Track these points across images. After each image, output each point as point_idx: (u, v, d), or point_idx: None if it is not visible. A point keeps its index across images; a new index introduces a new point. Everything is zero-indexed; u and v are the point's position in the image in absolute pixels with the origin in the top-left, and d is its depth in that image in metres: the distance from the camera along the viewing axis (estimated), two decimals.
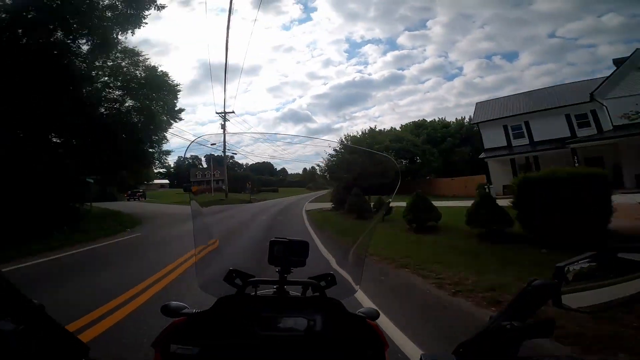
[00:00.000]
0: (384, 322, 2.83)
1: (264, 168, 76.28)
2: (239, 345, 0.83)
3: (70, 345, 0.59)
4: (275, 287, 0.95)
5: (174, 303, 0.90)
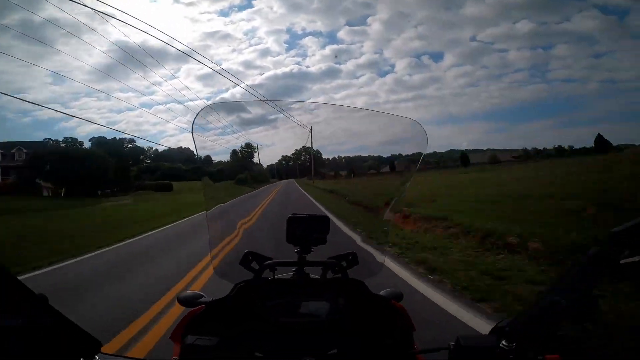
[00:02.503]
0: None
1: (177, 155, 63.78)
2: (258, 334, 0.79)
3: (80, 340, 0.55)
4: (294, 269, 0.90)
5: (189, 292, 0.88)
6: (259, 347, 0.79)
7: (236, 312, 0.82)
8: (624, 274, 0.53)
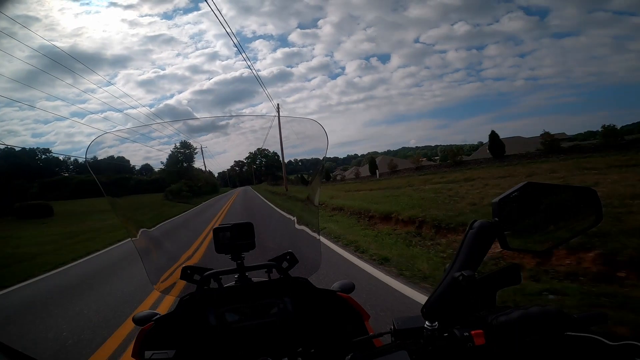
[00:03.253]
0: None
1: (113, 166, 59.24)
2: (213, 341, 0.82)
3: None
4: (236, 276, 0.93)
5: (144, 312, 0.90)
6: (215, 354, 0.81)
7: (186, 324, 0.85)
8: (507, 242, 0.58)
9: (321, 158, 1.10)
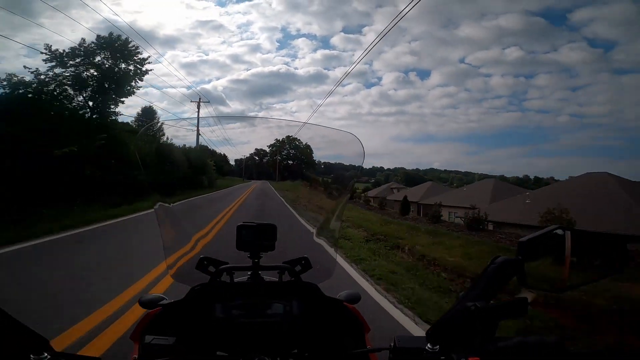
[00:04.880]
0: None
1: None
2: (215, 333, 0.85)
3: (26, 338, 0.56)
4: (249, 273, 0.97)
5: (151, 295, 0.93)
6: (215, 346, 0.84)
7: (193, 313, 0.87)
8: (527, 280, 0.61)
9: (353, 175, 1.10)
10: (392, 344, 0.64)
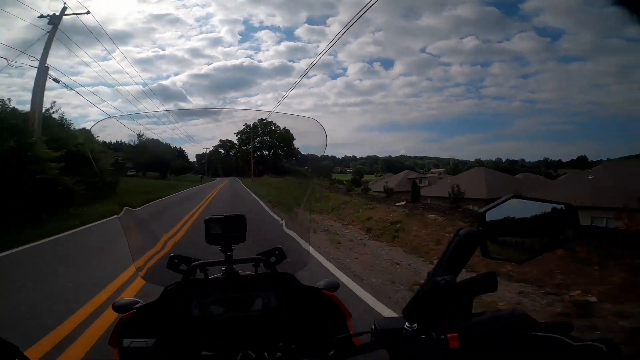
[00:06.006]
0: None
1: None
2: (195, 332, 0.85)
3: None
4: (223, 268, 0.96)
5: (125, 299, 0.92)
6: (197, 345, 0.84)
7: (169, 313, 0.86)
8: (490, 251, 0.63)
9: (319, 156, 1.11)
10: (372, 327, 0.65)
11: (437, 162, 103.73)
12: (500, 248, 0.64)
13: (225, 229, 0.92)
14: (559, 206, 0.65)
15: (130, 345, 0.77)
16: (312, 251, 5.04)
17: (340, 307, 0.92)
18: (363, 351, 0.61)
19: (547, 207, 0.66)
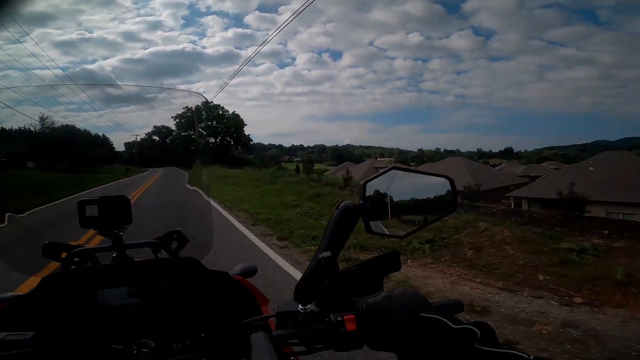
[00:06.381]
0: None
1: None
2: (82, 322, 0.78)
3: None
4: (114, 254, 0.88)
5: (1, 295, 0.84)
6: (83, 336, 0.77)
7: (47, 305, 0.79)
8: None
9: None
10: (275, 310, 0.64)
11: (383, 152, 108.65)
12: (382, 222, 0.63)
13: (104, 211, 0.84)
14: (439, 178, 0.66)
15: (5, 338, 0.72)
16: None
17: (253, 291, 0.89)
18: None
19: (427, 179, 0.67)
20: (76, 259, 0.87)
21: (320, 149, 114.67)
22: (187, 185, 1.24)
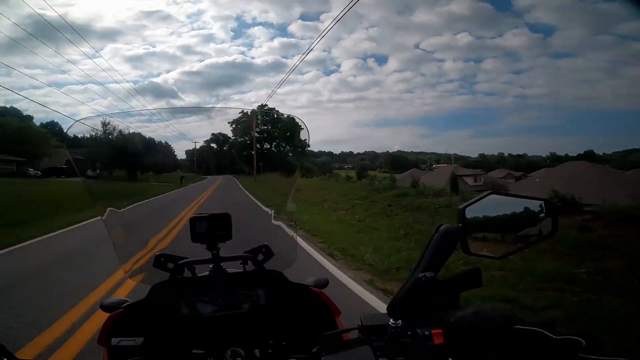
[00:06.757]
0: None
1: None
2: (183, 330, 0.86)
3: None
4: (211, 266, 0.97)
5: (112, 299, 0.95)
6: (186, 343, 0.83)
7: (157, 312, 0.88)
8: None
9: (302, 151, 1.16)
10: (359, 324, 0.66)
11: (438, 158, 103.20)
12: (480, 244, 0.66)
13: (211, 227, 0.93)
14: (537, 202, 0.66)
15: (119, 343, 0.79)
16: None
17: (329, 304, 0.94)
18: (348, 347, 0.63)
19: (526, 203, 0.66)
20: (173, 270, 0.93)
21: (372, 156, 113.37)
22: (273, 222, 1.28)
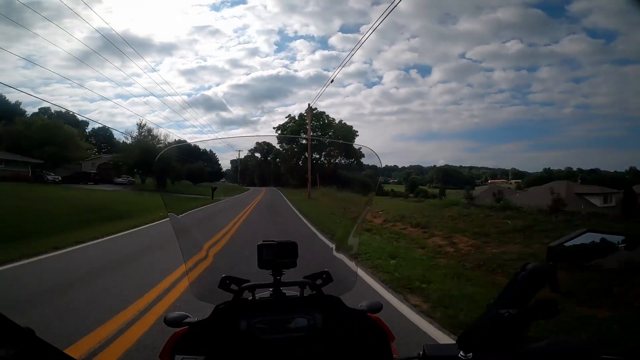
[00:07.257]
0: None
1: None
2: (243, 351, 0.88)
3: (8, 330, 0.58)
4: (271, 290, 1.00)
5: (175, 313, 0.97)
6: None
7: (219, 332, 0.91)
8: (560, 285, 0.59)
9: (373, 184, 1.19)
10: (420, 353, 0.66)
11: (494, 172, 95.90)
12: (570, 282, 0.64)
13: (277, 255, 0.96)
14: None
15: None
16: None
17: (384, 329, 0.95)
18: None
19: (626, 240, 0.60)
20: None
21: (418, 170, 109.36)
22: (335, 253, 1.30)
